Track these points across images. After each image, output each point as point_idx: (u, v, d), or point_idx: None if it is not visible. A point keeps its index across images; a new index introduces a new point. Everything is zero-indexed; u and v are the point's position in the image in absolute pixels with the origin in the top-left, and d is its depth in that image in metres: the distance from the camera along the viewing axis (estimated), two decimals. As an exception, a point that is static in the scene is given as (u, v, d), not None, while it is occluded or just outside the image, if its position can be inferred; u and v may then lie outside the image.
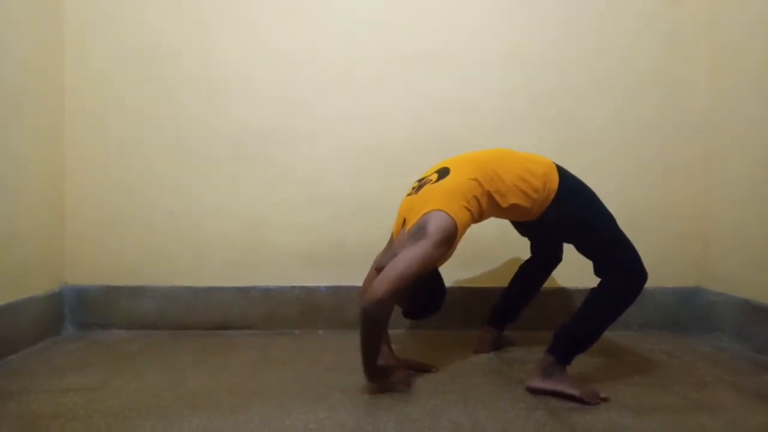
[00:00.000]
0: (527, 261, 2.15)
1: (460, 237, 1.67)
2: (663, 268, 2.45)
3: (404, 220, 1.74)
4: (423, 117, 2.44)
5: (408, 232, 1.66)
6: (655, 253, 2.43)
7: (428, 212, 1.63)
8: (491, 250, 2.42)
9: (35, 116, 2.20)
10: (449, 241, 1.61)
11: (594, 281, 1.75)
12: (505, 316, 2.14)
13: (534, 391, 1.66)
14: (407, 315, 1.73)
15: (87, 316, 2.38)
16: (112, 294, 2.39)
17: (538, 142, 2.44)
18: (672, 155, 2.48)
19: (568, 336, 1.68)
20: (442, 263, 1.71)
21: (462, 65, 2.44)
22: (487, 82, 2.45)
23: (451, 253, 1.71)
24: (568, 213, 1.76)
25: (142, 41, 2.39)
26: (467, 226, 1.68)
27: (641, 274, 1.72)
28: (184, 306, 2.40)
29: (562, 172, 1.81)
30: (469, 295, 2.43)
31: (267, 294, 2.42)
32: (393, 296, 1.54)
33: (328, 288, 2.41)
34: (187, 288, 2.41)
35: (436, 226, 1.59)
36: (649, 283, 2.41)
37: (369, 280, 1.89)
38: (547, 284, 2.32)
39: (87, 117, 2.39)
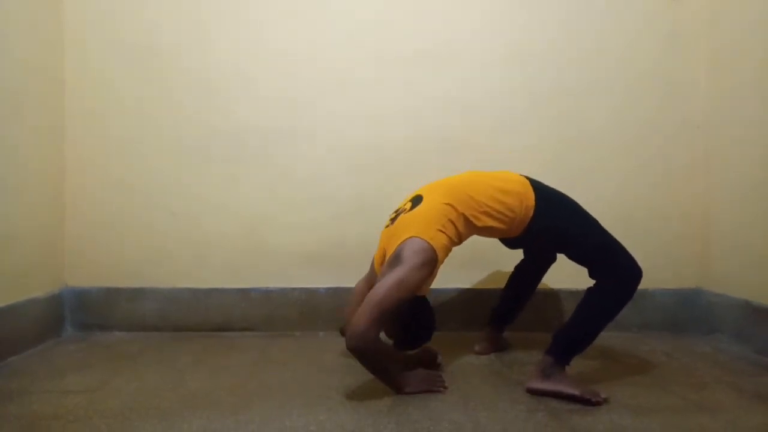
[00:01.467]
0: (521, 262, 2.15)
1: (442, 260, 1.68)
2: (663, 269, 2.45)
3: (385, 252, 1.75)
4: (423, 117, 2.44)
5: (386, 263, 1.67)
6: (655, 253, 2.45)
7: (404, 240, 1.64)
8: (489, 252, 2.40)
9: (35, 116, 2.20)
10: (429, 263, 1.61)
11: (590, 282, 1.75)
12: (504, 318, 2.15)
13: (534, 392, 1.66)
14: (397, 345, 1.72)
15: (87, 318, 2.38)
16: (112, 295, 2.39)
17: (538, 142, 2.45)
18: (672, 155, 2.48)
19: (566, 337, 1.69)
20: (425, 289, 1.71)
21: (462, 65, 2.44)
22: (487, 81, 2.45)
23: (432, 279, 1.71)
24: (550, 226, 1.77)
25: (143, 41, 2.39)
26: (446, 249, 1.69)
27: (635, 273, 1.72)
28: (185, 307, 2.40)
29: (538, 187, 1.81)
30: (468, 297, 2.44)
31: (267, 295, 2.42)
32: (375, 326, 1.53)
33: (327, 289, 2.41)
34: (188, 289, 2.41)
35: (411, 251, 1.60)
36: (649, 284, 2.43)
37: (351, 308, 1.88)
38: (545, 287, 2.34)
39: (87, 117, 2.39)
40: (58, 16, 2.34)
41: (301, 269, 2.43)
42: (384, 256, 1.76)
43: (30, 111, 2.16)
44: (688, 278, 2.48)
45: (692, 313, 2.45)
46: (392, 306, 1.55)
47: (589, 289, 1.73)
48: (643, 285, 2.38)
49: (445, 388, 1.71)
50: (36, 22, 2.20)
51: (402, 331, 1.67)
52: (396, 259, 1.62)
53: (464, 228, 1.73)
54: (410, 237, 1.64)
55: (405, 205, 1.80)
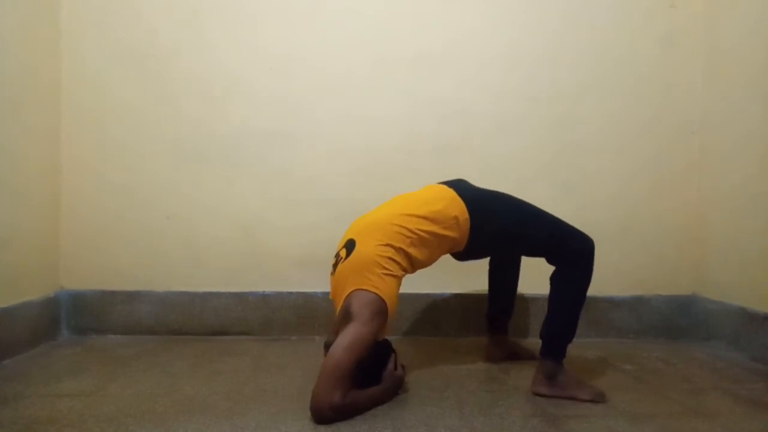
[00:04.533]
0: (492, 260, 2.11)
1: (394, 303, 1.64)
2: (659, 276, 2.46)
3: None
4: (420, 119, 2.45)
5: (339, 321, 1.64)
6: (652, 260, 2.46)
7: (348, 295, 1.61)
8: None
9: (31, 117, 2.19)
10: (379, 314, 1.58)
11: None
12: (499, 320, 2.10)
13: (541, 396, 1.68)
14: (361, 386, 1.63)
15: (83, 321, 2.37)
16: (108, 299, 2.38)
17: (534, 145, 2.46)
18: (668, 159, 2.49)
19: (552, 334, 1.72)
20: (385, 332, 1.67)
21: (459, 68, 2.45)
22: (484, 84, 2.46)
23: (393, 321, 1.67)
24: (492, 231, 1.78)
25: (140, 43, 2.40)
26: (395, 288, 1.65)
27: (587, 248, 1.73)
28: (181, 311, 2.40)
29: (467, 197, 1.79)
30: (464, 302, 2.44)
31: (264, 299, 2.42)
32: (338, 391, 1.46)
33: (325, 294, 2.41)
34: (184, 293, 2.40)
35: (358, 307, 1.57)
36: (645, 291, 2.46)
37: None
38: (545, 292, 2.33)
39: (83, 118, 2.39)
40: (55, 16, 2.34)
41: (299, 273, 2.43)
42: (335, 302, 1.72)
43: (26, 112, 2.16)
44: (685, 285, 2.48)
45: (688, 320, 2.45)
46: (350, 367, 1.48)
47: (551, 277, 1.76)
48: (639, 291, 2.45)
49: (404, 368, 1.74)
50: (32, 22, 2.20)
51: (367, 377, 1.61)
52: (346, 316, 1.58)
53: (406, 262, 1.69)
54: (354, 290, 1.60)
55: (341, 251, 1.73)
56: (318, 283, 2.41)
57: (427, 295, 2.40)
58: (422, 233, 1.70)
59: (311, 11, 2.43)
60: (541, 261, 1.82)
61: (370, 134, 2.44)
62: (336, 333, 1.61)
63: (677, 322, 2.46)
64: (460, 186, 1.85)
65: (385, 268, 1.63)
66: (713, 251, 2.40)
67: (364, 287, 1.60)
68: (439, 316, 2.44)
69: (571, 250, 1.74)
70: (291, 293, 2.42)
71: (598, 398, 1.65)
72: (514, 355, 2.09)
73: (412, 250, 1.70)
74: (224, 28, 2.41)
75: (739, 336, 2.21)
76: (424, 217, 1.72)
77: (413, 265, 1.74)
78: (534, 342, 1.93)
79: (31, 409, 1.55)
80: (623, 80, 2.48)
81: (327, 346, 1.65)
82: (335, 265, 1.73)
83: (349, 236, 1.75)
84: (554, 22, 2.47)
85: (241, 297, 2.41)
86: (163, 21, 2.40)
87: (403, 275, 1.71)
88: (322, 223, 2.43)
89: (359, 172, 2.44)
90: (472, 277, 2.43)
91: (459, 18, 2.45)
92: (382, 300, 1.59)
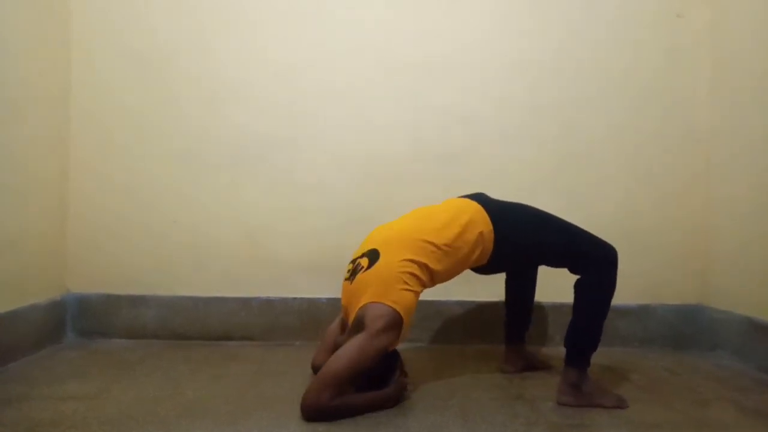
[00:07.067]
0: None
1: (408, 319, 1.63)
2: (665, 285, 2.45)
3: (347, 307, 1.72)
4: (424, 126, 2.45)
5: (348, 329, 1.63)
6: (657, 269, 2.44)
7: (364, 305, 1.60)
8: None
9: (39, 121, 2.21)
10: (394, 328, 1.57)
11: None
12: (518, 327, 2.06)
13: (566, 406, 1.68)
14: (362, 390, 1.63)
15: (88, 324, 2.38)
16: (113, 302, 2.39)
17: (538, 154, 2.46)
18: (674, 168, 2.47)
19: (576, 342, 1.72)
20: (393, 348, 1.65)
21: (463, 75, 2.45)
22: (488, 92, 2.45)
23: (405, 336, 1.65)
24: (514, 243, 1.78)
25: (147, 48, 2.42)
26: (413, 303, 1.64)
27: (610, 258, 1.74)
28: (185, 316, 2.40)
29: (491, 209, 1.79)
30: (469, 309, 2.43)
31: (269, 304, 2.42)
32: (332, 396, 1.48)
33: (329, 300, 2.41)
34: (189, 298, 2.41)
35: (372, 318, 1.56)
36: (651, 300, 2.44)
37: (319, 354, 1.87)
38: (562, 300, 2.29)
39: (91, 123, 2.41)
40: (64, 20, 2.36)
41: (303, 278, 2.43)
42: (347, 309, 1.72)
43: (34, 116, 2.18)
44: (691, 294, 2.47)
45: (694, 329, 2.43)
46: (352, 376, 1.49)
47: (575, 286, 1.76)
48: (645, 300, 2.43)
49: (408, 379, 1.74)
50: (41, 26, 2.22)
51: (372, 386, 1.60)
52: (359, 324, 1.57)
53: (428, 277, 1.69)
54: (370, 302, 1.59)
55: (361, 259, 1.72)
56: (322, 288, 2.41)
57: (432, 302, 2.39)
58: (447, 248, 1.70)
59: (315, 17, 2.44)
60: (562, 269, 1.83)
61: (374, 141, 2.45)
62: (346, 338, 1.61)
63: (683, 331, 2.44)
64: (482, 199, 1.85)
65: (406, 284, 1.63)
66: (719, 260, 2.39)
67: (382, 300, 1.59)
68: (445, 323, 2.43)
69: (590, 259, 1.75)
70: (295, 299, 2.43)
71: (621, 404, 1.67)
72: (531, 366, 2.05)
73: (435, 266, 1.69)
74: (229, 35, 2.43)
75: (745, 346, 2.19)
76: (451, 232, 1.71)
77: (433, 279, 1.73)
78: (555, 350, 1.90)
79: (35, 410, 1.56)
80: (629, 89, 2.47)
81: (335, 347, 1.66)
82: (352, 272, 1.72)
83: (372, 246, 1.74)
84: (559, 31, 2.47)
85: (245, 302, 2.42)
86: (170, 28, 2.42)
87: (423, 290, 1.71)
88: (326, 230, 2.43)
89: (363, 178, 2.44)
90: (477, 284, 2.42)
91: (463, 26, 2.46)
92: (399, 314, 1.59)
